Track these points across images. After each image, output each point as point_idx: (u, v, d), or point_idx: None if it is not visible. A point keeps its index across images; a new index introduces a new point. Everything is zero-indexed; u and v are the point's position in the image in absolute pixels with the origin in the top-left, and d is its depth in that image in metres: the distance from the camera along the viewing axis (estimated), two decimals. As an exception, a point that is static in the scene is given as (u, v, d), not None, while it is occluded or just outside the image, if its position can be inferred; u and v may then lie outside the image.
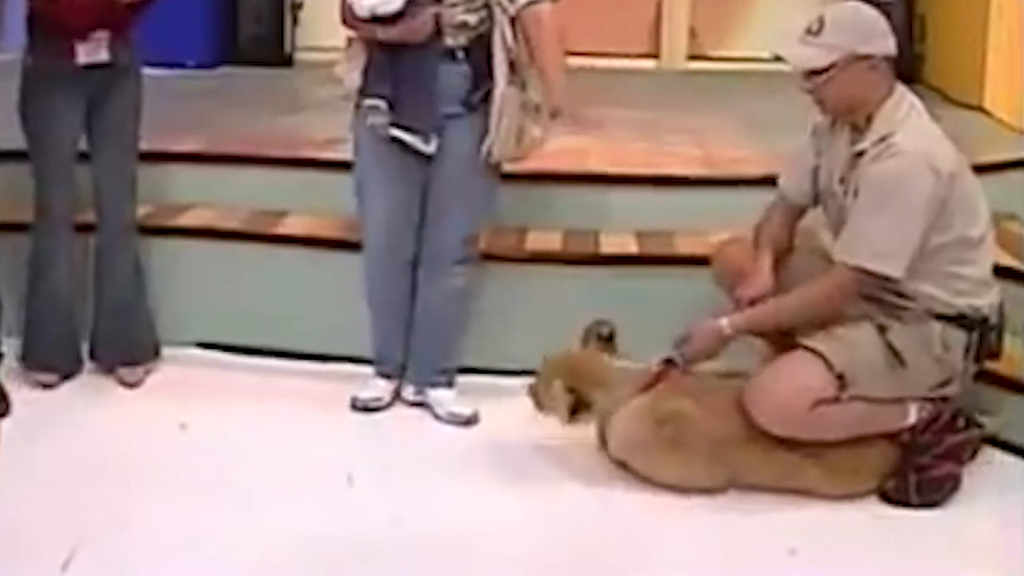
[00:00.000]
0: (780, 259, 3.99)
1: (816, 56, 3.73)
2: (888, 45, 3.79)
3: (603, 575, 3.47)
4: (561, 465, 4.03)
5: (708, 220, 4.76)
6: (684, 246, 4.78)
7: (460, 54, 4.15)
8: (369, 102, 4.19)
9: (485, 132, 4.16)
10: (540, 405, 4.02)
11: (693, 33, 8.20)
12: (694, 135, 5.78)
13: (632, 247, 4.81)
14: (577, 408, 3.93)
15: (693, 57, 8.19)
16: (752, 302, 3.89)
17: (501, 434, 4.24)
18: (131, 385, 4.58)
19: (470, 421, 4.32)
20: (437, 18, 4.09)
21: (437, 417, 4.36)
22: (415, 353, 4.43)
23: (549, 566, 3.48)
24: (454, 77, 4.15)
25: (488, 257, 4.56)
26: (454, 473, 3.97)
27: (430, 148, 4.18)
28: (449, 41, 4.13)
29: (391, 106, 4.16)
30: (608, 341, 4.07)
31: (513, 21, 4.12)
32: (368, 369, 4.50)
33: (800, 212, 4.06)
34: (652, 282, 4.60)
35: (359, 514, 3.70)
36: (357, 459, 4.02)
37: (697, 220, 4.83)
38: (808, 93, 3.79)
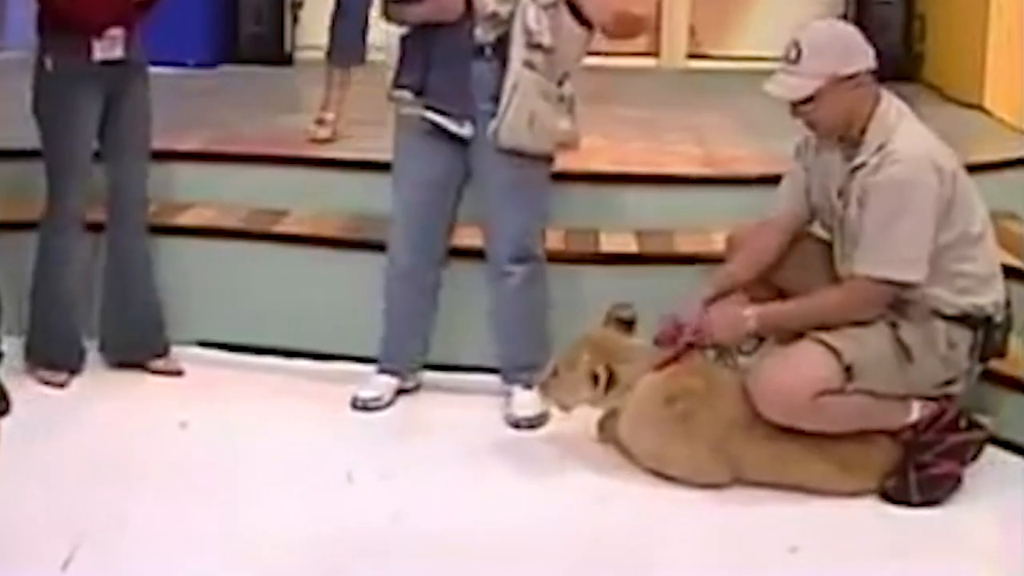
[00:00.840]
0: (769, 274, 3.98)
1: (801, 86, 3.71)
2: (868, 59, 3.77)
3: (604, 571, 3.47)
4: (564, 461, 4.04)
5: (708, 219, 4.77)
6: (684, 245, 4.78)
7: (489, 51, 4.13)
8: (396, 92, 4.22)
9: None
10: (561, 393, 4.00)
11: (693, 32, 8.20)
12: (694, 134, 5.79)
13: (632, 246, 4.81)
14: (609, 382, 3.91)
15: (693, 56, 8.20)
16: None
17: (502, 432, 4.25)
18: (177, 373, 4.64)
19: (532, 424, 4.25)
20: None
21: (504, 416, 4.33)
22: (499, 351, 4.42)
23: (551, 562, 3.47)
24: (485, 74, 4.14)
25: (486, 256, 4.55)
26: (455, 470, 3.97)
27: (465, 131, 4.17)
28: (479, 36, 4.12)
29: (419, 94, 4.17)
30: (628, 325, 4.07)
31: (547, 8, 4.06)
32: (370, 368, 4.50)
33: (793, 229, 4.00)
34: (652, 281, 4.59)
35: (359, 512, 3.70)
36: (357, 457, 4.01)
37: (697, 219, 4.83)
38: (798, 118, 3.79)
